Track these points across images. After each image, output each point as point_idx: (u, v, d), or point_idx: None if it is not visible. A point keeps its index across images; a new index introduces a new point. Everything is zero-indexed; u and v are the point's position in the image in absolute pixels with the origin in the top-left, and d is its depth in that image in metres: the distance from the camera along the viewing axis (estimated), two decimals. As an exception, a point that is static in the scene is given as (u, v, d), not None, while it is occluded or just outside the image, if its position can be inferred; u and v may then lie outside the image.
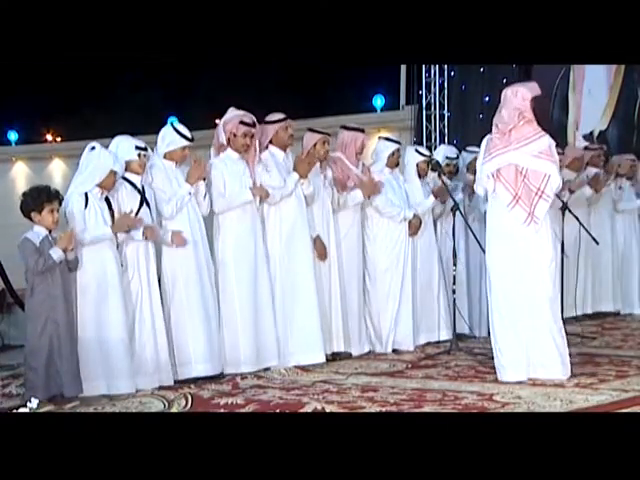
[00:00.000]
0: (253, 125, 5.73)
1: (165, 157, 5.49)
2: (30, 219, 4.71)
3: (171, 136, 5.47)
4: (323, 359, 5.85)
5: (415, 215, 6.57)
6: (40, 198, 4.68)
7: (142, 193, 5.24)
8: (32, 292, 4.70)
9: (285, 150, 6.01)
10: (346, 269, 6.27)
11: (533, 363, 5.01)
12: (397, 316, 6.45)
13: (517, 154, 5.05)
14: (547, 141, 5.10)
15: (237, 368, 5.53)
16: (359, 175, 6.33)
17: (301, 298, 5.85)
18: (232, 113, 5.74)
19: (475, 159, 7.27)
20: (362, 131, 6.44)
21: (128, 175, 5.20)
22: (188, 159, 5.60)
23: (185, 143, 5.47)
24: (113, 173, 5.01)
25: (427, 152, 7.22)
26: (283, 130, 5.94)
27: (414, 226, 6.57)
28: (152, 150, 5.48)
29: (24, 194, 4.77)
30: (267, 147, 5.96)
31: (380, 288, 6.47)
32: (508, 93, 5.16)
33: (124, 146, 5.20)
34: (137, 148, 5.20)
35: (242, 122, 5.68)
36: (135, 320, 5.12)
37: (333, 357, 6.07)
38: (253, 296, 5.65)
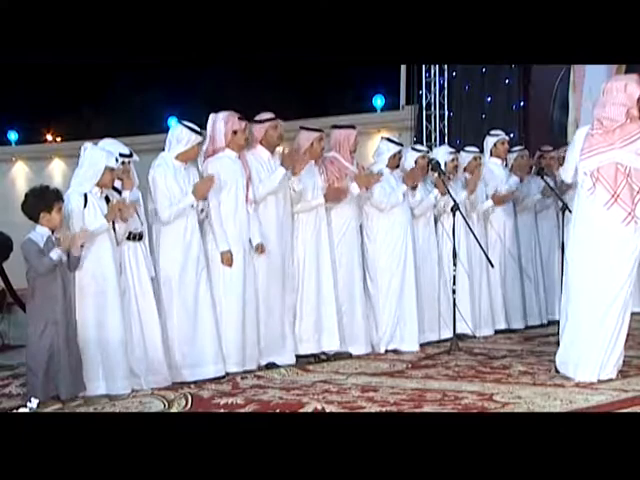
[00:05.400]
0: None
1: (177, 158, 5.45)
2: (36, 220, 4.68)
3: (187, 135, 5.41)
4: (292, 360, 5.84)
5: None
6: (49, 198, 4.67)
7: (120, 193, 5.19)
8: (33, 294, 4.69)
9: (272, 151, 5.99)
10: (346, 267, 6.29)
11: (605, 364, 4.95)
12: (401, 316, 6.46)
13: (621, 152, 4.90)
14: None
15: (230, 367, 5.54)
16: (355, 172, 6.35)
17: (275, 296, 5.84)
18: (223, 114, 5.72)
19: (474, 158, 7.32)
20: (353, 128, 6.46)
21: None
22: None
23: (200, 139, 5.46)
24: (109, 170, 4.98)
25: (423, 147, 7.27)
26: (273, 129, 5.92)
27: (409, 177, 6.57)
28: (141, 152, 5.44)
29: (28, 195, 4.73)
30: (255, 146, 5.95)
31: (381, 288, 6.48)
32: (614, 87, 4.96)
33: (109, 150, 5.13)
34: (121, 155, 5.13)
35: (240, 118, 5.71)
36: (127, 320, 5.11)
37: (327, 357, 6.08)
38: (242, 295, 5.64)
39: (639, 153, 4.90)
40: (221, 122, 5.69)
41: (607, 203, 4.92)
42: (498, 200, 7.32)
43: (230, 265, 5.57)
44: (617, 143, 4.91)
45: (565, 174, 5.29)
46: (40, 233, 4.66)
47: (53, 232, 4.70)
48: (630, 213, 4.90)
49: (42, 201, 4.67)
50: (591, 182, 4.98)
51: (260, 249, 5.73)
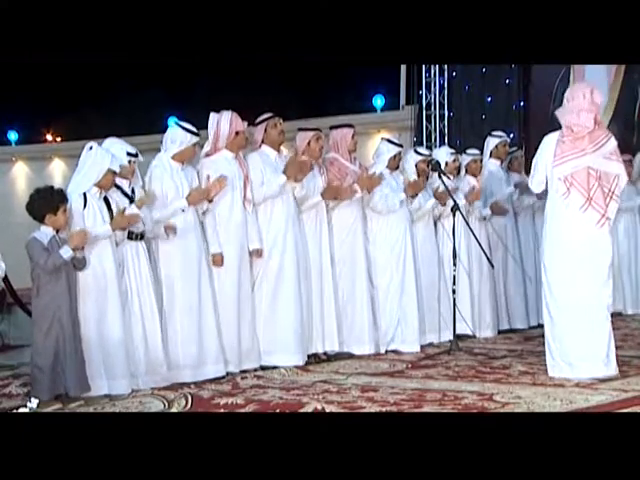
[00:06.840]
0: None
1: (174, 158, 5.46)
2: (41, 220, 4.68)
3: (181, 136, 5.44)
4: (300, 361, 5.82)
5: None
6: (54, 199, 4.68)
7: (130, 198, 5.19)
8: (38, 292, 4.68)
9: (278, 149, 6.02)
10: (349, 267, 6.29)
11: (593, 361, 5.05)
12: (401, 316, 6.46)
13: (592, 157, 5.06)
14: (614, 142, 5.14)
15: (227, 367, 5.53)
16: (356, 171, 6.35)
17: (283, 298, 5.82)
18: (227, 114, 5.70)
19: (474, 161, 7.31)
20: (350, 126, 6.47)
21: (117, 180, 5.15)
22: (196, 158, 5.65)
23: (195, 139, 5.46)
24: (111, 172, 4.99)
25: (426, 152, 7.22)
26: (272, 127, 5.95)
27: (412, 187, 6.57)
28: (141, 152, 5.44)
29: (33, 196, 4.73)
30: (260, 147, 5.98)
31: (380, 288, 6.48)
32: (580, 94, 5.07)
33: (115, 150, 5.13)
34: (128, 154, 5.15)
35: (242, 119, 5.73)
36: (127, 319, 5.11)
37: (328, 357, 6.08)
38: (237, 296, 5.63)
39: (607, 157, 5.09)
40: (225, 122, 5.67)
41: (582, 206, 5.07)
42: (497, 210, 7.33)
43: (220, 267, 5.56)
44: (588, 149, 5.07)
45: (535, 181, 5.35)
46: (45, 232, 4.68)
47: (57, 232, 4.71)
48: (604, 215, 5.07)
49: (48, 202, 4.68)
50: (565, 187, 5.10)
51: (257, 254, 5.74)
